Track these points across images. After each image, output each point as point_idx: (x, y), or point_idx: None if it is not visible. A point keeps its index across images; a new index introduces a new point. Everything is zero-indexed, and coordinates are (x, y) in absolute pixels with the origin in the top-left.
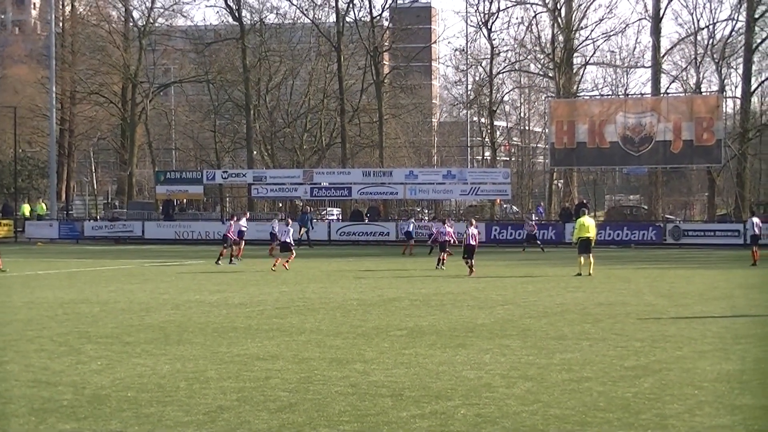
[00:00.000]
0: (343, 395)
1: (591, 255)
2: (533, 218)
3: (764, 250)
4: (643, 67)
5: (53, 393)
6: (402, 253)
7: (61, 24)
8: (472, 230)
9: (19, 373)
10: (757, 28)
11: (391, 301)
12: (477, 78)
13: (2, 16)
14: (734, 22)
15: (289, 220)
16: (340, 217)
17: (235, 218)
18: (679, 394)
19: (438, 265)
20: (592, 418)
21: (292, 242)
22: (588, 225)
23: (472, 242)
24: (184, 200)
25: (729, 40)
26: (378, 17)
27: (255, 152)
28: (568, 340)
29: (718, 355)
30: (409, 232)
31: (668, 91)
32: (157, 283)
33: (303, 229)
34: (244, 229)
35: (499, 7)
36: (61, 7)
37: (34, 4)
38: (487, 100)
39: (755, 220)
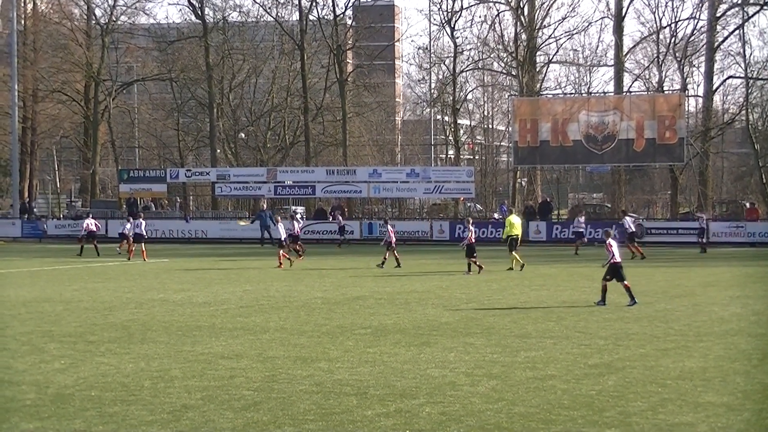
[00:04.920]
0: (307, 394)
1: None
2: (582, 219)
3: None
4: (606, 65)
5: (16, 392)
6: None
7: (22, 21)
8: (471, 228)
9: None
10: (718, 27)
11: (355, 300)
12: (440, 76)
13: None
14: (696, 20)
15: (278, 218)
16: (304, 216)
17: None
18: (643, 391)
19: (469, 270)
20: (557, 416)
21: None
22: (515, 223)
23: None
24: (149, 199)
25: (691, 39)
26: (341, 15)
27: (218, 151)
28: (531, 338)
29: (680, 352)
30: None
31: (631, 89)
32: (120, 281)
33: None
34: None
35: (462, 6)
36: (22, 4)
37: None
38: (451, 98)
39: (628, 219)
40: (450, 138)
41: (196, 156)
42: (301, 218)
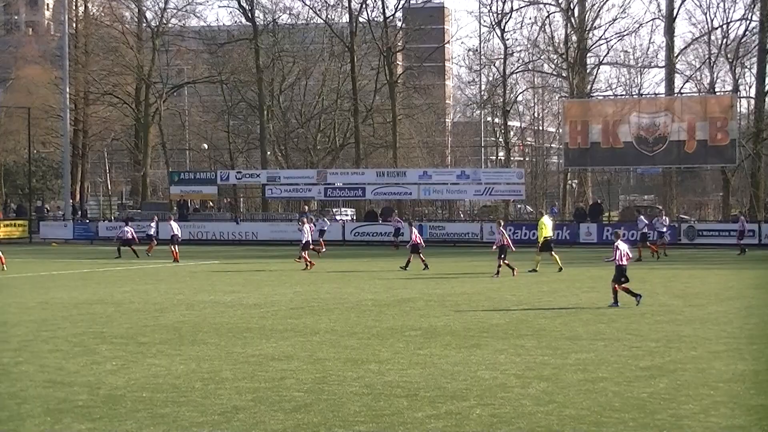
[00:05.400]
0: (358, 395)
1: (553, 252)
2: (664, 218)
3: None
4: (657, 67)
5: (68, 393)
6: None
7: (74, 25)
8: (503, 230)
9: (34, 374)
10: None
11: (405, 302)
12: (490, 78)
13: (15, 17)
14: (748, 21)
15: (304, 221)
16: (354, 218)
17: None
18: (694, 394)
19: (497, 273)
20: (608, 419)
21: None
22: (547, 225)
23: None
24: (198, 200)
25: (743, 40)
26: (391, 17)
27: (269, 153)
28: (582, 341)
29: (732, 355)
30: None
31: (682, 90)
32: (171, 283)
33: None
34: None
35: (512, 7)
36: (74, 8)
37: (48, 5)
38: (501, 100)
39: (643, 218)
40: (500, 140)
41: (247, 158)
42: (329, 220)
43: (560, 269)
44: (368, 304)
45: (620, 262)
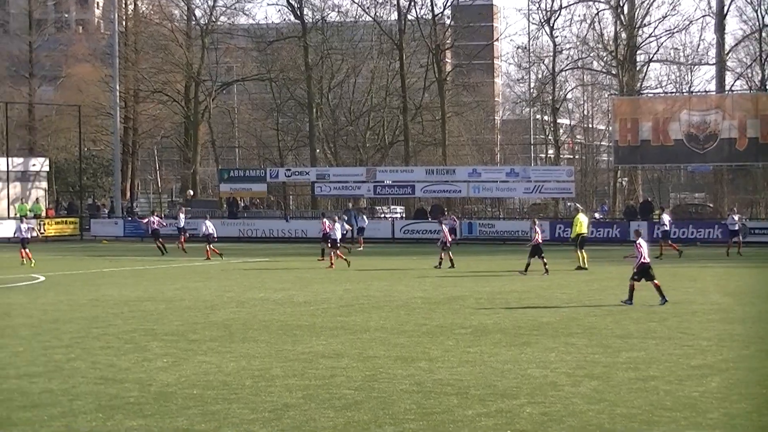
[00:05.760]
0: (408, 393)
1: (584, 250)
2: (737, 217)
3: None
4: (707, 64)
5: (120, 390)
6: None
7: (124, 23)
8: (537, 228)
9: (86, 371)
10: None
11: (455, 299)
12: (539, 76)
13: (66, 15)
14: None
15: (335, 218)
16: (404, 215)
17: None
18: (747, 393)
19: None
20: (659, 417)
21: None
22: (583, 222)
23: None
24: (248, 198)
25: None
26: (440, 15)
27: (318, 150)
28: (633, 339)
29: None
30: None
31: (733, 88)
32: (221, 280)
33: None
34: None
35: (561, 5)
36: (123, 6)
37: (98, 3)
38: (550, 97)
39: (665, 216)
40: (549, 137)
41: (296, 156)
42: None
43: (579, 268)
44: (418, 302)
45: (644, 260)
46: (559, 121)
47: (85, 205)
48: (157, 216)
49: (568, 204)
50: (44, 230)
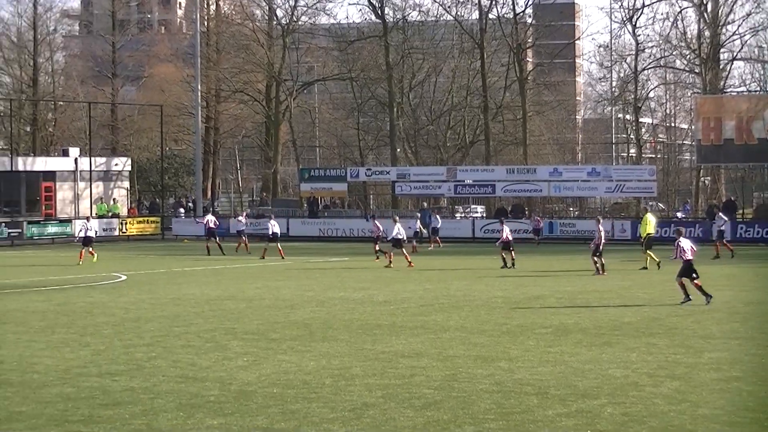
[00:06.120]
0: (488, 393)
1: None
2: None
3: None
4: None
5: (200, 388)
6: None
7: (206, 23)
8: (601, 227)
9: (167, 369)
10: None
11: (535, 299)
12: (621, 74)
13: (148, 16)
14: None
15: (396, 218)
16: (484, 215)
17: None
18: None
19: (598, 271)
20: (742, 419)
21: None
22: (651, 222)
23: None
24: (328, 198)
25: None
26: (521, 14)
27: (398, 150)
28: (716, 339)
29: None
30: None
31: None
32: (301, 280)
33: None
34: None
35: (644, 3)
36: (206, 6)
37: (180, 3)
38: (632, 96)
39: (722, 217)
40: (631, 136)
41: (376, 155)
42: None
43: (645, 268)
44: (498, 302)
45: (685, 257)
46: (641, 120)
47: (166, 205)
48: (213, 216)
49: (650, 203)
50: (126, 229)
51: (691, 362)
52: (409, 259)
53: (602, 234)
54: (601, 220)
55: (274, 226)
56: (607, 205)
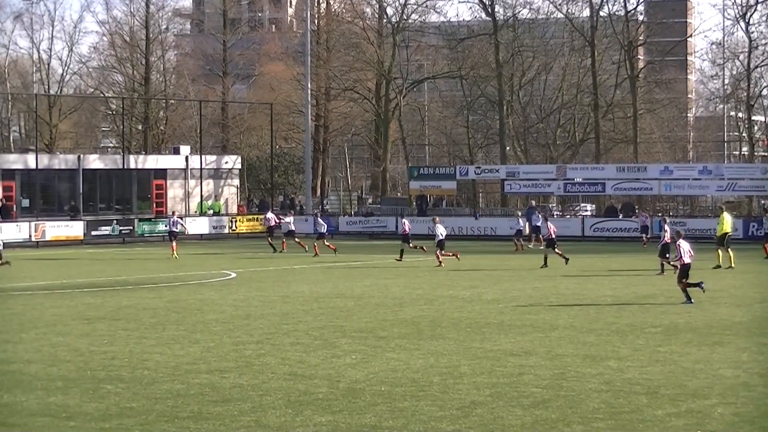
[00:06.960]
0: (596, 392)
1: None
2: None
3: None
4: None
5: (309, 386)
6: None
7: (316, 21)
8: (667, 227)
9: (275, 366)
10: None
11: (645, 298)
12: (734, 72)
13: (259, 15)
14: None
15: (437, 219)
16: (594, 213)
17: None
18: None
19: (662, 271)
20: None
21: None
22: (727, 221)
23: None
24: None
25: None
26: (633, 11)
27: (508, 148)
28: None
29: None
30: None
31: None
32: (410, 278)
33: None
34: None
35: (757, 0)
36: (316, 4)
37: (291, 2)
38: (745, 94)
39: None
40: (744, 134)
41: (486, 153)
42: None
43: (718, 266)
44: (607, 300)
45: (684, 261)
46: (753, 117)
47: (276, 203)
48: (274, 214)
49: (762, 202)
50: (235, 227)
51: None
52: (441, 260)
53: (668, 235)
54: (668, 220)
55: (319, 225)
56: (718, 203)
